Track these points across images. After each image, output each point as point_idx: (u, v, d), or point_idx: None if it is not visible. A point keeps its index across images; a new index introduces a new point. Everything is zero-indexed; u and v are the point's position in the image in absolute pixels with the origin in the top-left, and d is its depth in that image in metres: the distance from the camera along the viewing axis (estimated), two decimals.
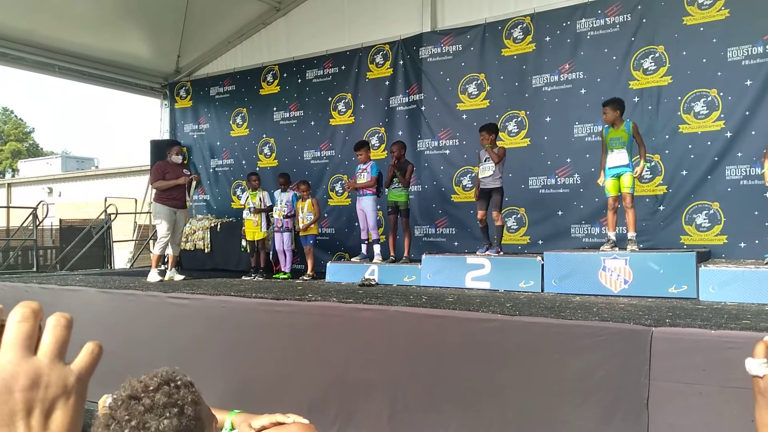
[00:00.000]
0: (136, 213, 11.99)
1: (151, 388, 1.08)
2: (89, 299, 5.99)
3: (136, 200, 12.39)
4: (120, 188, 19.10)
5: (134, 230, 11.97)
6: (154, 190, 7.37)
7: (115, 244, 11.68)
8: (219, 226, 9.38)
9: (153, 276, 6.91)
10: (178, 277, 7.15)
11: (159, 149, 10.48)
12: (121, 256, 12.24)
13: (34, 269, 10.22)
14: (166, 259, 7.62)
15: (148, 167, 10.85)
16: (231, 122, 10.09)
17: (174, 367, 1.22)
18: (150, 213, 11.18)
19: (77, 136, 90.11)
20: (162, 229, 7.21)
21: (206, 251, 9.42)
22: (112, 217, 11.39)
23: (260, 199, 7.90)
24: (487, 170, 6.34)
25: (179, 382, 1.12)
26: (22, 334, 0.59)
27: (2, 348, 0.59)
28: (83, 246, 10.96)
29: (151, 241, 11.51)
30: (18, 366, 0.58)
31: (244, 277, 7.58)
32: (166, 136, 10.85)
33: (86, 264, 10.70)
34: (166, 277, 7.11)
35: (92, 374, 0.64)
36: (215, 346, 4.95)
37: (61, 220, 16.85)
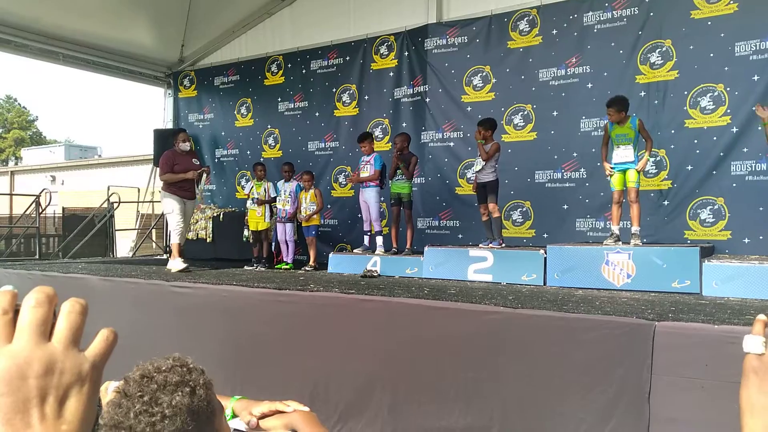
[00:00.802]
0: (138, 202, 11.99)
1: (164, 368, 1.09)
2: (91, 287, 6.00)
3: (138, 189, 12.39)
4: (123, 177, 19.10)
5: (137, 219, 11.98)
6: (162, 179, 7.22)
7: (117, 233, 11.70)
8: (222, 216, 9.38)
9: (177, 264, 6.71)
10: (178, 267, 6.99)
11: (162, 138, 10.47)
12: (124, 245, 12.26)
13: (37, 257, 10.24)
14: (168, 248, 7.62)
15: (152, 156, 10.83)
16: (236, 112, 10.07)
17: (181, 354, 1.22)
18: (152, 202, 11.20)
19: (81, 124, 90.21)
20: (175, 218, 7.04)
21: (208, 240, 9.42)
22: (115, 205, 11.40)
23: (265, 189, 7.88)
24: (478, 164, 6.34)
25: (191, 366, 1.13)
26: (36, 319, 0.59)
27: (16, 333, 0.58)
28: (86, 234, 10.98)
29: (154, 230, 11.53)
30: (32, 352, 0.57)
31: (246, 267, 7.58)
32: (170, 126, 10.83)
33: (88, 252, 10.73)
34: (167, 267, 7.01)
35: (107, 361, 0.64)
36: (217, 335, 4.96)
37: (63, 209, 16.89)
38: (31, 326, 0.58)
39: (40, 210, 11.09)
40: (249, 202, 7.97)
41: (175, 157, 7.12)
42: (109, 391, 1.12)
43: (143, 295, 5.62)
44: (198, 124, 10.58)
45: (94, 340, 0.63)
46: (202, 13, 9.51)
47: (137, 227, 11.95)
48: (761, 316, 0.86)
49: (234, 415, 1.57)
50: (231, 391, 4.39)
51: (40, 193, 11.12)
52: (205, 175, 7.33)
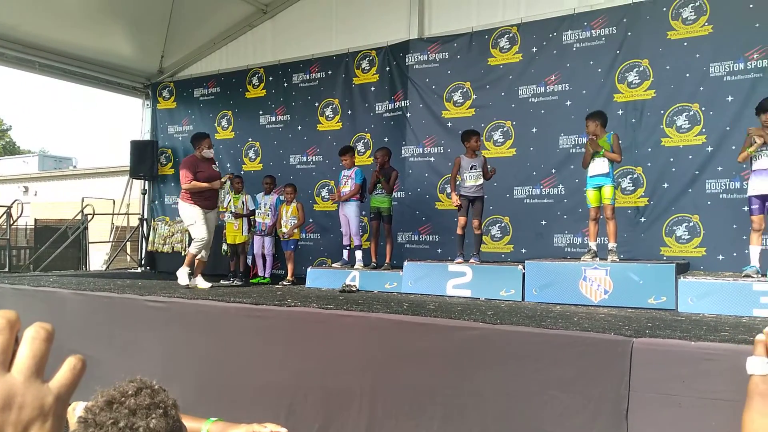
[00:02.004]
0: (113, 214, 11.80)
1: (130, 392, 1.05)
2: (63, 301, 5.85)
3: (114, 201, 12.20)
4: (98, 189, 18.82)
5: (111, 231, 11.78)
6: (182, 189, 6.70)
7: (91, 245, 11.48)
8: None
9: (182, 276, 6.44)
10: (204, 285, 6.53)
11: (139, 150, 10.36)
12: (97, 258, 12.03)
13: (6, 269, 9.98)
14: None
15: (128, 168, 10.69)
16: (216, 125, 9.99)
17: (148, 373, 1.18)
18: (127, 214, 11.03)
19: (56, 134, 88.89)
20: (199, 230, 6.59)
21: (184, 254, 9.27)
22: (89, 217, 11.20)
23: (243, 202, 7.81)
24: (475, 179, 6.31)
25: (156, 387, 1.09)
26: None
27: None
28: (58, 246, 10.74)
29: (128, 243, 11.34)
30: None
31: (222, 281, 7.48)
32: (147, 137, 10.71)
33: (61, 265, 10.50)
34: (191, 284, 6.51)
35: (73, 392, 0.58)
36: (193, 351, 4.86)
37: (36, 220, 16.56)
38: None
39: (11, 221, 10.83)
40: (227, 215, 7.88)
41: (197, 163, 6.70)
42: (76, 412, 1.07)
43: (117, 309, 5.49)
44: (177, 135, 10.48)
45: (60, 370, 0.58)
46: (182, 25, 9.45)
47: (111, 240, 11.75)
48: (760, 337, 0.84)
49: None
50: (206, 408, 4.30)
51: (12, 203, 10.87)
52: (229, 182, 7.09)
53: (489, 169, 6.39)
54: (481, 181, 6.32)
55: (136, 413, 1.01)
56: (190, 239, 7.14)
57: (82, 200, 12.03)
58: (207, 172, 6.71)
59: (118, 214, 11.54)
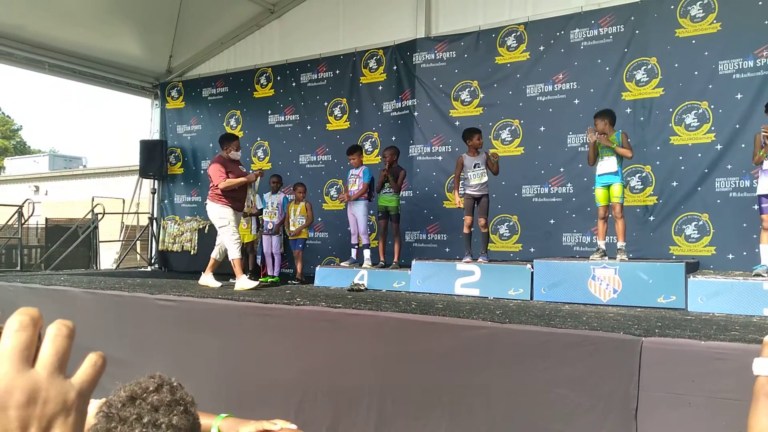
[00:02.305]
0: (123, 213, 11.87)
1: (151, 388, 1.07)
2: (74, 299, 5.91)
3: (123, 200, 12.27)
4: (108, 188, 18.94)
5: (121, 230, 11.85)
6: (213, 191, 6.58)
7: (101, 245, 11.56)
8: (207, 228, 9.31)
9: (246, 282, 6.25)
10: (215, 284, 6.47)
11: (149, 149, 10.41)
12: (107, 257, 12.12)
13: (18, 268, 10.08)
14: (244, 269, 7.44)
15: (137, 167, 10.75)
16: (225, 124, 10.03)
17: (159, 370, 1.19)
18: (137, 213, 11.10)
19: (66, 134, 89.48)
20: (231, 231, 6.51)
21: (192, 253, 9.35)
22: (99, 216, 11.28)
23: (251, 201, 7.83)
24: (479, 177, 6.32)
25: (174, 383, 1.11)
26: (19, 344, 0.55)
27: None
28: (69, 246, 10.84)
29: (138, 242, 11.40)
30: (14, 380, 0.53)
31: (231, 280, 7.50)
32: (156, 137, 10.77)
33: (71, 264, 10.58)
34: (201, 282, 6.53)
35: (94, 388, 0.60)
36: (202, 349, 4.89)
37: (47, 219, 16.70)
38: (14, 352, 0.54)
39: (23, 220, 10.92)
40: None
41: (226, 163, 6.69)
42: (90, 409, 1.09)
43: (127, 307, 5.54)
44: (186, 135, 10.53)
45: (81, 366, 0.60)
46: (190, 25, 9.50)
47: (121, 239, 11.83)
48: None
49: None
50: (216, 406, 4.32)
51: (23, 203, 10.96)
52: (259, 178, 7.07)
53: (493, 161, 6.31)
54: (485, 178, 6.31)
55: (159, 409, 1.03)
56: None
57: (92, 199, 12.12)
58: (236, 173, 6.67)
59: (128, 213, 11.61)
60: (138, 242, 11.40)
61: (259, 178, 6.95)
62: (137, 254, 11.71)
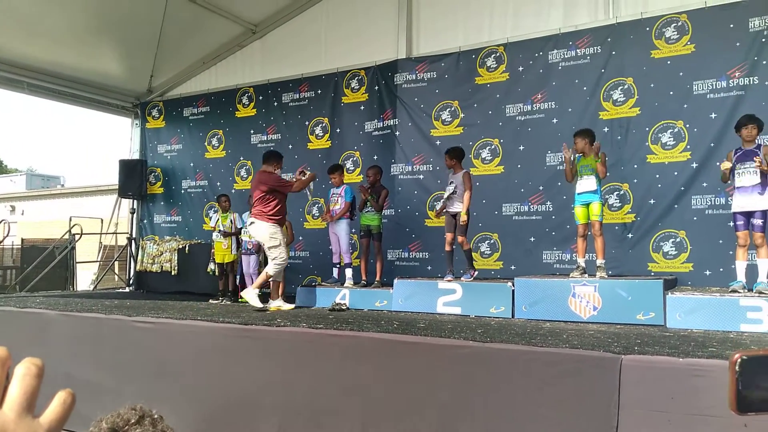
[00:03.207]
0: (101, 233, 11.71)
1: (133, 421, 1.05)
2: (49, 322, 5.79)
3: (102, 220, 12.12)
4: (86, 208, 18.69)
5: (99, 251, 11.68)
6: (263, 209, 6.34)
7: (78, 265, 11.37)
8: (187, 248, 9.22)
9: (254, 298, 6.17)
10: (288, 306, 6.35)
11: (128, 169, 10.32)
12: (85, 277, 11.91)
13: None
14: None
15: (116, 186, 10.64)
16: (206, 144, 9.99)
17: (136, 394, 1.17)
18: (116, 233, 10.96)
19: (44, 153, 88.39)
20: (282, 251, 6.34)
21: (173, 273, 9.23)
22: (77, 237, 11.11)
23: (231, 221, 7.80)
24: (448, 190, 6.37)
25: (156, 416, 1.09)
26: None
27: None
28: (45, 266, 10.63)
29: (116, 263, 11.24)
30: None
31: (211, 301, 7.43)
32: (136, 156, 10.69)
33: (48, 285, 10.38)
34: (269, 306, 6.26)
35: (63, 427, 0.59)
36: (182, 372, 4.81)
37: (22, 240, 16.39)
38: None
39: None
40: (215, 234, 7.86)
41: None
42: None
43: (104, 330, 5.44)
44: (166, 155, 10.47)
45: (50, 405, 0.59)
46: (172, 44, 9.49)
47: (99, 259, 11.65)
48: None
49: None
50: (196, 428, 4.24)
51: None
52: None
53: (456, 191, 6.32)
54: (449, 191, 6.32)
55: None
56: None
57: (70, 219, 11.94)
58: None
59: (106, 233, 11.46)
60: (116, 263, 11.23)
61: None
62: (115, 275, 11.53)
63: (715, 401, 2.97)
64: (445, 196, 6.39)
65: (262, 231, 6.35)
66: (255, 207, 6.43)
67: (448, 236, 6.41)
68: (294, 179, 6.83)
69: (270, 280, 6.41)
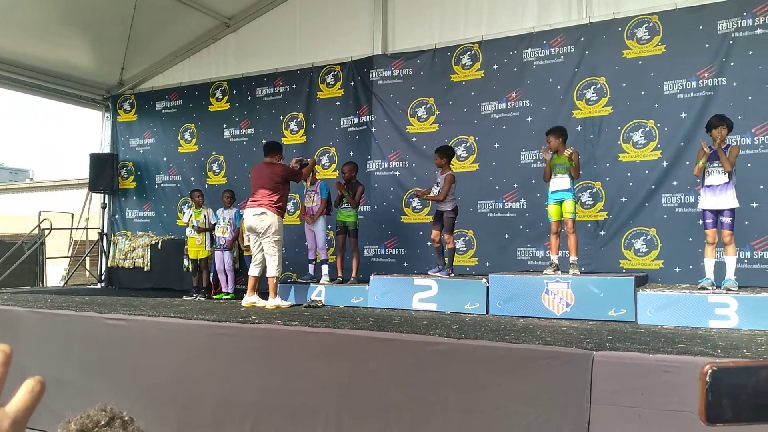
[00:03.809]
0: (72, 228, 11.49)
1: (102, 423, 1.03)
2: (18, 319, 5.66)
3: (72, 215, 11.87)
4: (56, 202, 18.30)
5: (69, 246, 11.46)
6: (273, 200, 6.27)
7: (48, 261, 11.14)
8: (160, 244, 9.09)
9: (279, 302, 6.15)
10: (285, 304, 6.28)
11: (99, 163, 10.13)
12: (55, 273, 11.67)
13: None
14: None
15: (86, 181, 10.44)
16: (179, 138, 9.84)
17: (108, 392, 1.16)
18: (86, 228, 10.76)
19: (11, 146, 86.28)
20: (281, 246, 6.34)
21: (146, 269, 9.10)
22: (46, 232, 10.87)
23: (204, 216, 7.72)
24: (438, 193, 6.39)
25: (126, 418, 1.08)
26: None
27: None
28: (13, 262, 10.38)
29: (87, 258, 11.04)
30: None
31: (185, 297, 7.35)
32: (107, 150, 10.48)
33: (16, 281, 10.13)
34: (260, 304, 6.18)
35: (30, 415, 0.57)
36: (154, 370, 4.76)
37: None
38: None
39: None
40: (188, 229, 7.77)
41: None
42: None
43: (75, 327, 5.35)
44: (139, 149, 10.29)
45: (17, 392, 0.57)
46: (143, 36, 9.31)
47: (70, 255, 11.42)
48: None
49: None
50: (169, 428, 4.20)
51: None
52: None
53: (439, 190, 6.36)
54: (440, 197, 6.36)
55: None
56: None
57: (39, 214, 11.66)
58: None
59: (76, 228, 11.24)
60: (87, 258, 11.03)
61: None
62: (86, 271, 11.31)
63: (684, 397, 3.05)
64: (434, 193, 6.41)
65: (267, 222, 6.24)
66: (263, 198, 6.28)
67: (434, 232, 6.44)
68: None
69: (251, 276, 6.40)
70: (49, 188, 23.98)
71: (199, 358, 4.65)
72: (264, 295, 6.32)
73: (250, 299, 6.29)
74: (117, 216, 10.38)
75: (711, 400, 0.79)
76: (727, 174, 5.14)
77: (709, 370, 0.79)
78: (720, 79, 6.29)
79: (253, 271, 6.42)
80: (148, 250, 9.12)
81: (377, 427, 3.84)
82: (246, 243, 7.41)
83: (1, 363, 0.56)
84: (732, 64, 6.25)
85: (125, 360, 4.94)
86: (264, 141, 8.93)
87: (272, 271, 6.23)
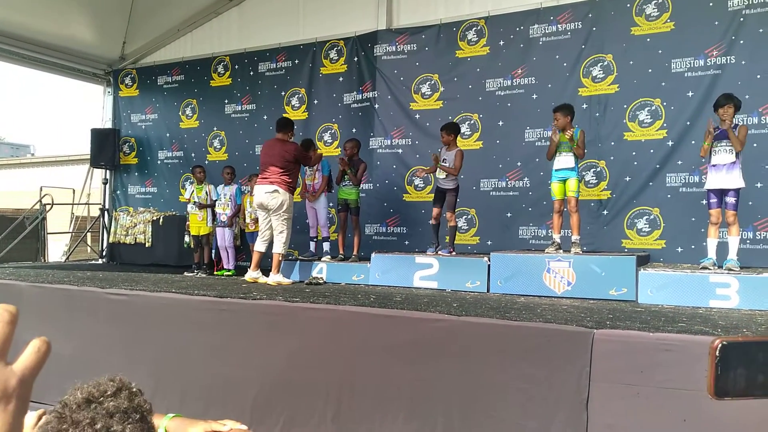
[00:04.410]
0: (73, 204, 11.49)
1: (109, 393, 1.02)
2: (20, 294, 5.68)
3: (74, 190, 11.88)
4: (57, 178, 18.27)
5: (71, 222, 11.47)
6: (285, 177, 6.24)
7: (49, 236, 11.16)
8: (162, 220, 9.09)
9: (281, 278, 6.14)
10: (287, 281, 6.25)
11: (101, 138, 10.09)
12: (56, 249, 11.71)
13: None
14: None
15: (88, 156, 10.41)
16: (180, 113, 9.79)
17: (109, 367, 1.15)
18: (88, 204, 10.76)
19: (12, 121, 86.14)
20: (290, 224, 6.32)
21: (147, 245, 9.11)
22: (48, 207, 10.88)
23: (206, 192, 7.70)
24: (441, 172, 6.36)
25: (134, 389, 1.07)
26: None
27: None
28: (15, 237, 10.41)
29: (89, 234, 11.06)
30: None
31: (186, 273, 7.37)
32: (109, 125, 10.43)
33: (18, 256, 10.17)
34: (262, 280, 6.19)
35: (37, 375, 0.58)
36: (155, 345, 4.77)
37: None
38: None
39: None
40: (190, 206, 7.76)
41: None
42: (27, 421, 1.03)
43: (76, 302, 5.36)
44: (141, 124, 10.23)
45: (24, 352, 0.58)
46: (145, 10, 9.21)
47: (71, 230, 11.44)
48: None
49: None
50: (170, 402, 4.23)
51: None
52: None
53: (451, 163, 6.32)
54: (443, 174, 6.34)
55: (114, 416, 0.99)
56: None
57: (41, 189, 11.67)
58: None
59: (78, 204, 11.24)
60: (89, 234, 11.05)
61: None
62: (88, 246, 11.35)
63: (683, 375, 3.05)
64: (437, 173, 6.38)
65: (280, 200, 6.21)
66: (275, 176, 6.22)
67: (435, 210, 6.42)
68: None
69: (256, 251, 6.41)
70: (51, 164, 23.98)
71: (200, 334, 4.66)
72: (265, 273, 6.32)
73: (253, 274, 6.30)
74: (118, 192, 10.37)
75: (720, 375, 0.78)
76: (734, 153, 5.09)
77: (719, 345, 0.78)
78: (729, 57, 6.20)
79: (260, 246, 6.41)
80: (150, 226, 9.13)
81: (377, 402, 3.86)
82: (247, 220, 7.39)
83: (7, 321, 0.57)
84: (742, 42, 6.16)
85: (126, 335, 4.95)
86: (265, 117, 8.94)
87: (279, 247, 6.24)
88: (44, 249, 10.86)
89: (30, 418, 1.06)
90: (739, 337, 0.82)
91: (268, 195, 6.21)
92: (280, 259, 6.26)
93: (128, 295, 5.13)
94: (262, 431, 4.13)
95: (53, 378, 1.14)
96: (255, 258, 6.39)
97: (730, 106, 5.15)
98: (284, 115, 8.59)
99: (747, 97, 5.72)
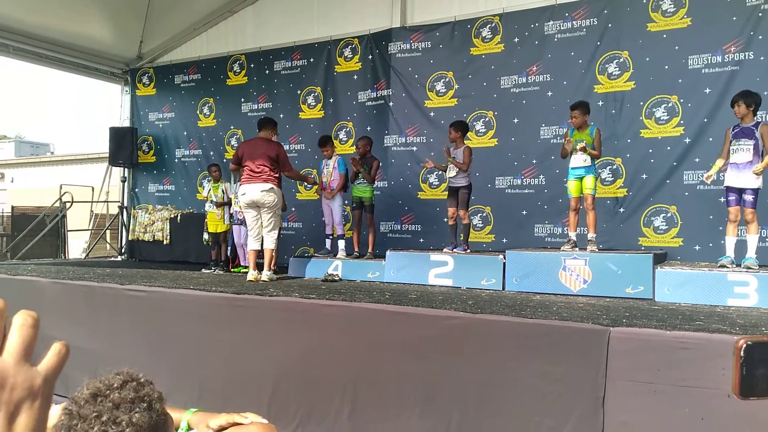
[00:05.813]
0: (92, 201, 11.65)
1: (115, 385, 1.06)
2: (41, 290, 5.79)
3: (93, 188, 12.04)
4: (76, 175, 18.52)
5: (90, 219, 11.63)
6: (276, 175, 6.37)
7: (69, 234, 11.33)
8: (179, 218, 9.19)
9: (269, 275, 6.19)
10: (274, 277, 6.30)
11: (119, 137, 10.21)
12: (76, 246, 11.88)
13: None
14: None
15: (107, 155, 10.55)
16: (198, 112, 9.88)
17: (129, 362, 1.18)
18: (107, 202, 10.89)
19: (33, 120, 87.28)
20: (280, 221, 6.52)
21: (165, 243, 9.22)
22: (68, 205, 11.04)
23: (222, 191, 7.77)
24: (451, 170, 6.38)
25: (142, 380, 1.10)
26: None
27: None
28: (36, 234, 10.59)
29: (108, 231, 11.21)
30: None
31: (203, 270, 7.45)
32: (127, 123, 10.56)
33: (39, 253, 10.36)
34: (266, 277, 6.17)
35: (59, 375, 0.63)
36: (174, 341, 4.85)
37: (13, 207, 16.29)
38: None
39: None
40: (207, 204, 7.84)
41: None
42: (51, 414, 1.07)
43: (96, 298, 5.45)
44: (158, 123, 10.35)
45: (46, 354, 0.62)
46: (162, 9, 9.30)
47: (91, 228, 11.60)
48: None
49: (189, 429, 1.53)
50: (188, 398, 4.29)
51: None
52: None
53: (460, 160, 6.32)
54: (453, 172, 6.34)
55: (120, 407, 1.02)
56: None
57: (60, 187, 11.85)
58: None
59: (97, 201, 11.39)
60: (108, 231, 11.20)
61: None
62: (107, 243, 11.50)
63: (699, 373, 3.04)
64: (447, 172, 6.40)
65: (271, 197, 6.30)
66: (265, 173, 6.30)
67: (450, 210, 6.43)
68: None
69: (251, 251, 6.47)
70: (70, 162, 24.31)
71: (217, 330, 4.72)
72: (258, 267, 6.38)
73: (254, 273, 6.31)
74: (137, 190, 10.49)
75: (745, 375, 0.79)
76: (752, 152, 5.05)
77: (744, 345, 0.79)
78: (747, 53, 6.13)
79: (254, 245, 6.48)
80: (168, 223, 9.23)
81: (393, 399, 3.89)
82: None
83: (30, 326, 0.60)
84: (760, 37, 6.08)
85: (145, 330, 5.03)
86: (281, 116, 8.99)
87: (271, 243, 6.35)
88: (65, 246, 11.03)
89: (54, 410, 1.10)
90: (764, 336, 0.83)
91: (264, 193, 6.30)
92: (272, 254, 6.35)
93: (147, 291, 5.21)
94: (279, 427, 4.18)
95: (72, 372, 1.18)
96: (252, 258, 6.46)
97: (740, 104, 5.11)
98: (300, 114, 8.66)
99: (766, 93, 5.65)
